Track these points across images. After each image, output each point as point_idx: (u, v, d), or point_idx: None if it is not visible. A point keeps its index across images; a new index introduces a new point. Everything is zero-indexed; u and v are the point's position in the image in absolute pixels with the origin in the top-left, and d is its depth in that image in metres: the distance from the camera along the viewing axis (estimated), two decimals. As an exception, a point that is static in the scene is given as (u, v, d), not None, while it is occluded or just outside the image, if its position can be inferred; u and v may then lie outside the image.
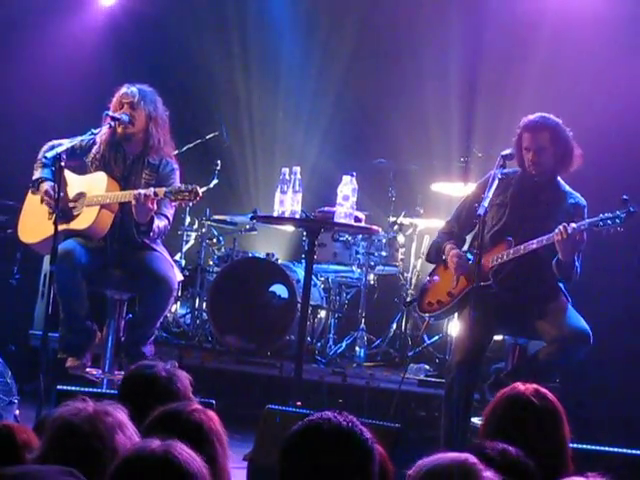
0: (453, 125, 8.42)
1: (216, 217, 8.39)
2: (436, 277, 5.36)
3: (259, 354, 7.42)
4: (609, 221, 4.77)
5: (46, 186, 5.44)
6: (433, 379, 6.89)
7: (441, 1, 8.51)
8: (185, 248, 8.38)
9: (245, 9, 9.27)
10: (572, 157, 5.14)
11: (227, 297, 7.62)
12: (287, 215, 5.44)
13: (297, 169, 5.48)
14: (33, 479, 2.11)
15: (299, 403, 5.22)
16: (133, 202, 5.24)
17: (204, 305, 7.92)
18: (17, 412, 4.85)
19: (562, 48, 7.46)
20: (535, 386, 3.06)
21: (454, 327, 6.68)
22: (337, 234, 7.62)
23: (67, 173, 5.39)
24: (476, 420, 4.99)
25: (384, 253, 7.78)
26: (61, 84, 8.26)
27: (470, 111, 8.16)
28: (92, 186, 5.47)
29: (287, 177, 5.43)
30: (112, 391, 4.48)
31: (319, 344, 7.75)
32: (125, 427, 2.36)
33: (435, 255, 5.44)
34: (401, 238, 7.93)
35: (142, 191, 5.22)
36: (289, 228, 7.81)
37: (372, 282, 8.00)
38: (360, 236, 7.61)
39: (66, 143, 5.33)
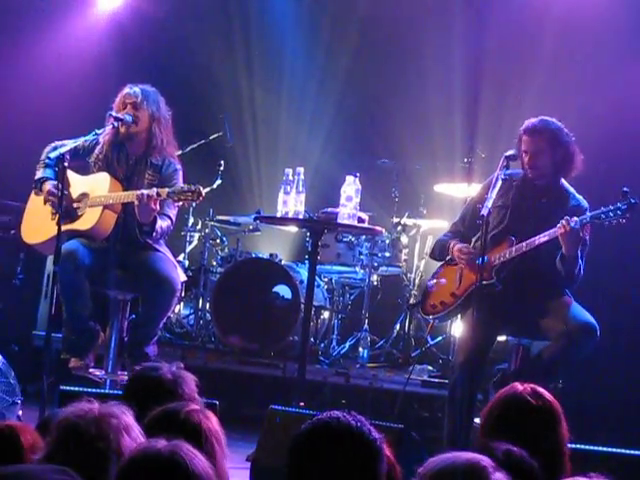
0: (456, 126, 8.41)
1: (219, 218, 8.37)
2: (443, 280, 5.34)
3: (262, 355, 7.41)
4: (611, 213, 4.80)
5: (49, 186, 5.43)
6: (436, 380, 6.88)
7: (445, 1, 8.50)
8: (188, 249, 8.36)
9: (248, 10, 9.27)
10: (572, 162, 5.12)
11: (230, 298, 7.60)
12: (290, 216, 5.44)
13: (300, 170, 5.48)
14: (26, 478, 2.10)
15: (302, 404, 5.22)
16: (136, 202, 5.23)
17: (207, 306, 7.91)
18: (20, 412, 4.85)
19: (566, 48, 7.44)
20: (533, 386, 3.05)
21: (457, 328, 6.66)
22: (340, 235, 7.61)
23: (70, 173, 5.39)
24: (479, 421, 4.98)
25: (387, 254, 7.77)
26: (64, 85, 8.25)
27: (473, 112, 8.15)
28: (95, 187, 5.47)
29: (290, 178, 5.43)
30: (116, 392, 4.48)
31: (322, 345, 7.74)
32: (131, 429, 2.35)
33: (439, 253, 5.42)
34: (404, 239, 7.91)
35: (145, 191, 5.22)
36: (292, 229, 7.80)
37: (375, 283, 7.97)
38: (363, 237, 7.60)
39: (69, 144, 5.32)
